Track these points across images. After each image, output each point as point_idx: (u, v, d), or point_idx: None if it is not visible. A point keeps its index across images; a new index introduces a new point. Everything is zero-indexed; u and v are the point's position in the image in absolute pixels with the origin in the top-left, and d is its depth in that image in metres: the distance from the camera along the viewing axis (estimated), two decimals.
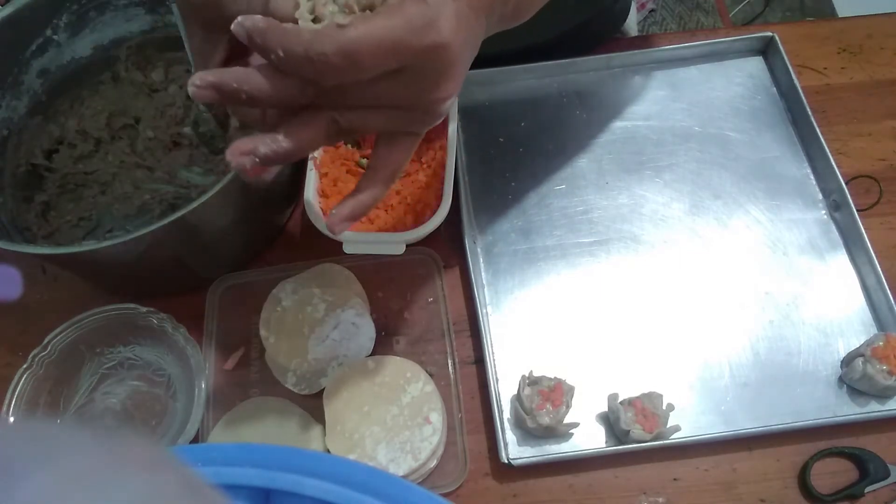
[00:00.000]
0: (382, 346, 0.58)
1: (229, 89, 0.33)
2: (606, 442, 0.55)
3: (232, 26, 0.33)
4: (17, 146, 0.62)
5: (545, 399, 0.53)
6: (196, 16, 0.38)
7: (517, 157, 0.67)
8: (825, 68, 0.72)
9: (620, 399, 0.54)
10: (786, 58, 0.68)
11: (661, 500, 0.53)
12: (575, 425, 0.54)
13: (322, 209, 0.59)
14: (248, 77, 0.33)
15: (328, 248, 0.58)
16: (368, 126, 0.36)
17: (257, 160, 0.35)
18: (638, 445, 0.52)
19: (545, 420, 0.52)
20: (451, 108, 0.61)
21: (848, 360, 0.56)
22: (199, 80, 0.33)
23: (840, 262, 0.61)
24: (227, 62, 0.39)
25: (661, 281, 0.61)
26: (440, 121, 0.37)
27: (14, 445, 0.18)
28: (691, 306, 0.59)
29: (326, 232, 0.53)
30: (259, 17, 0.32)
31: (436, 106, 0.35)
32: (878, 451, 0.53)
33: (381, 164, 0.38)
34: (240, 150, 0.34)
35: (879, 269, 0.58)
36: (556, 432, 0.54)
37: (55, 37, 0.61)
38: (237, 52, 0.39)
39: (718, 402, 0.56)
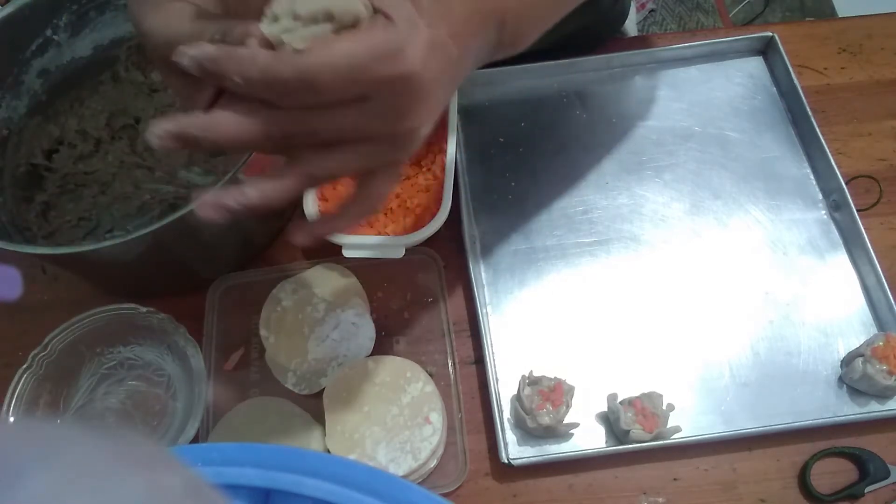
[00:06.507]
0: (382, 346, 0.58)
1: (192, 137, 0.31)
2: (606, 442, 0.55)
3: (174, 56, 0.30)
4: (17, 146, 0.62)
5: (545, 399, 0.53)
6: (168, 62, 0.34)
7: (517, 157, 0.67)
8: (825, 68, 0.72)
9: (620, 399, 0.54)
10: (786, 58, 0.68)
11: (661, 500, 0.53)
12: (575, 425, 0.54)
13: (321, 212, 0.59)
14: (211, 124, 0.31)
15: (328, 249, 0.58)
16: (345, 169, 0.34)
17: (228, 214, 0.33)
18: (638, 445, 0.52)
19: (545, 420, 0.52)
20: (451, 110, 0.61)
21: (848, 360, 0.56)
22: (159, 131, 0.31)
23: (840, 262, 0.61)
24: (215, 99, 0.36)
25: (661, 281, 0.61)
26: (415, 149, 0.36)
27: (14, 445, 0.18)
28: (691, 306, 0.59)
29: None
30: (206, 44, 0.30)
31: (408, 136, 0.33)
32: (878, 451, 0.53)
33: (363, 197, 0.37)
34: (210, 203, 0.33)
35: (879, 269, 0.58)
36: (556, 432, 0.54)
37: (55, 37, 0.61)
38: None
39: (718, 402, 0.56)
